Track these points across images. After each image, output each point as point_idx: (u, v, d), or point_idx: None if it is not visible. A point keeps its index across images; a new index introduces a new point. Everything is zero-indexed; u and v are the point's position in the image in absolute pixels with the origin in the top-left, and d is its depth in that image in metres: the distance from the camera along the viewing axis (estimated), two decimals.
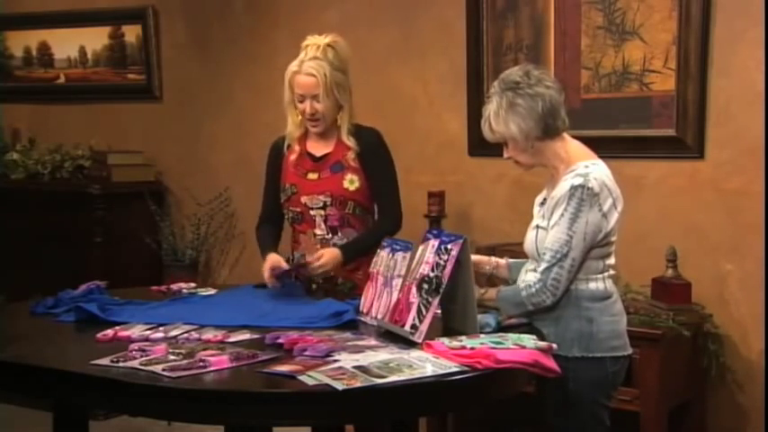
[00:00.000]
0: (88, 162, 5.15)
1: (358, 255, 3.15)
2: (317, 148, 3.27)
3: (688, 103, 3.64)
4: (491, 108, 2.63)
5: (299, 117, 3.24)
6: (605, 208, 2.56)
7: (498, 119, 2.61)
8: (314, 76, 3.14)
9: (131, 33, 5.22)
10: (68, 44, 5.45)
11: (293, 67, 3.19)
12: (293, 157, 3.28)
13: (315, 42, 3.18)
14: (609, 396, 2.67)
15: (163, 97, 5.23)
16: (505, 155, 2.70)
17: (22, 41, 5.62)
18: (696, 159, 3.67)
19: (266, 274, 3.14)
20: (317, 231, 3.23)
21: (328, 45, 3.17)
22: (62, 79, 5.53)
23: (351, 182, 3.21)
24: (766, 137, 3.50)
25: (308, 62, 3.16)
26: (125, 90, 5.30)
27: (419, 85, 4.36)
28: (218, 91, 4.98)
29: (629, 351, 2.68)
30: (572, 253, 2.53)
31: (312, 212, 3.22)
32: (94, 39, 5.35)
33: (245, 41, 4.87)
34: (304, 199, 3.22)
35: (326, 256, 3.12)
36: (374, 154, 3.25)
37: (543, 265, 2.56)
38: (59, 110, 5.53)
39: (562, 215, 2.54)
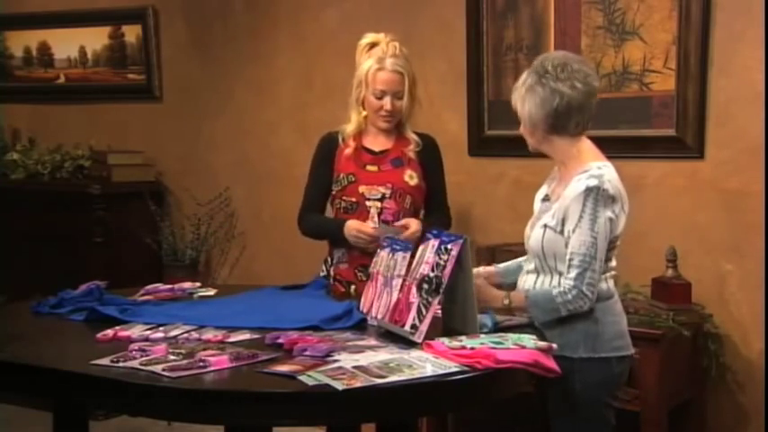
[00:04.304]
0: (88, 162, 5.15)
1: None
2: (375, 144, 3.31)
3: (688, 103, 3.63)
4: (520, 80, 2.65)
5: (363, 115, 3.26)
6: (617, 210, 2.56)
7: (518, 94, 2.63)
8: (401, 73, 3.21)
9: (131, 33, 5.22)
10: (68, 44, 5.45)
11: (373, 63, 3.21)
12: (348, 150, 3.29)
13: (382, 40, 3.22)
14: (614, 396, 2.68)
15: (163, 97, 5.22)
16: (520, 129, 2.70)
17: (22, 41, 5.62)
18: (696, 159, 3.67)
19: (363, 231, 3.14)
20: (369, 224, 3.21)
21: (401, 45, 3.23)
22: (62, 79, 5.53)
23: (410, 177, 3.26)
24: (766, 137, 3.50)
25: (392, 59, 3.21)
26: (125, 90, 5.29)
27: (419, 85, 4.33)
28: (219, 91, 4.98)
29: (632, 351, 2.69)
30: (599, 254, 2.52)
31: (368, 203, 3.23)
32: (94, 39, 5.35)
33: (245, 41, 4.87)
34: (362, 189, 3.23)
35: (414, 225, 3.15)
36: (433, 154, 3.35)
37: (575, 271, 2.52)
38: (59, 110, 5.53)
39: (581, 217, 2.52)
